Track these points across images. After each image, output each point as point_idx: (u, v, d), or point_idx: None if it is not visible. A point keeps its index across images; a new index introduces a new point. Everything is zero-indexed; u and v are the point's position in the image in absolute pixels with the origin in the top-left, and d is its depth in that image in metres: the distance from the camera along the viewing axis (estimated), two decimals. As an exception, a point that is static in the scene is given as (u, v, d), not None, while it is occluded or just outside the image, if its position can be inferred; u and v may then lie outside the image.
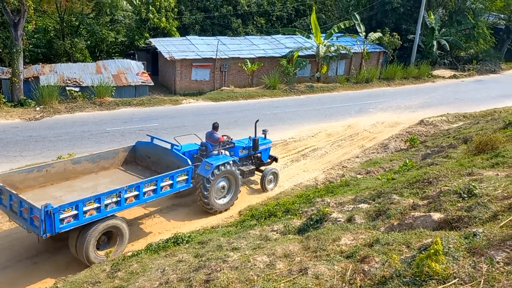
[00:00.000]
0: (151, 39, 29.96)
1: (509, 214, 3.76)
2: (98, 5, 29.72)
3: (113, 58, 29.66)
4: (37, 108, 22.04)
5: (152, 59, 30.68)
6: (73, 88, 23.65)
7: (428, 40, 36.64)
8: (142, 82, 25.41)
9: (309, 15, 33.25)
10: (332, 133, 21.10)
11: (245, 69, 28.30)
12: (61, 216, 8.74)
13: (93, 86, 23.57)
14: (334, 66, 32.28)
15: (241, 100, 26.39)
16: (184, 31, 33.42)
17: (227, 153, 13.26)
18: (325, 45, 30.46)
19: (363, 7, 37.97)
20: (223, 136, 13.27)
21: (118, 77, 25.42)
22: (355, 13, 34.11)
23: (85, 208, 9.12)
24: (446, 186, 5.76)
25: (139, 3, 33.23)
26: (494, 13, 44.11)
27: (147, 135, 13.46)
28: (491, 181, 5.82)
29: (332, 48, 30.56)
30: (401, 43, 34.23)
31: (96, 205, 9.32)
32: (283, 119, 22.84)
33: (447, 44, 36.30)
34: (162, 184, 10.66)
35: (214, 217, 12.40)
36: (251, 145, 14.24)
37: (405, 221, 4.54)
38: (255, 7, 36.07)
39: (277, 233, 6.66)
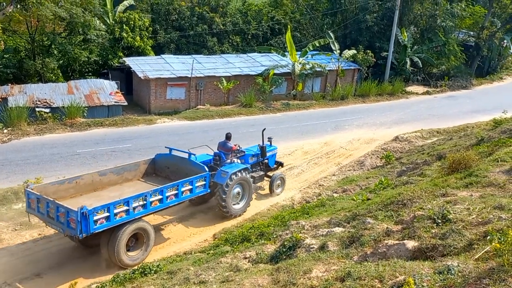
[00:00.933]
0: (125, 58, 29.56)
1: (484, 243, 3.59)
2: (70, 25, 29.22)
3: (86, 78, 29.09)
4: (5, 131, 21.27)
5: (126, 78, 30.23)
6: (43, 109, 22.97)
7: (401, 57, 37.33)
8: (115, 102, 24.92)
9: (284, 33, 33.50)
10: (309, 150, 21.01)
11: (221, 87, 28.14)
12: (95, 218, 9.68)
13: (64, 107, 22.96)
14: (310, 84, 32.47)
15: (217, 118, 26.14)
16: (159, 50, 33.16)
17: (238, 161, 14.12)
18: (300, 63, 30.65)
19: (338, 26, 38.54)
20: (235, 145, 14.16)
21: (91, 97, 24.87)
22: (329, 32, 34.55)
23: (115, 211, 10.07)
24: (421, 209, 5.59)
25: (113, 22, 32.91)
26: (463, 31, 45.39)
27: (165, 147, 14.29)
28: (465, 203, 5.69)
29: (308, 66, 30.76)
30: (375, 60, 34.74)
31: (125, 207, 10.27)
32: (259, 138, 22.59)
33: (419, 61, 37.04)
34: (183, 189, 11.72)
35: (188, 242, 12.06)
36: (259, 152, 15.31)
37: (379, 250, 4.33)
38: (231, 25, 36.17)
39: (248, 261, 6.37)
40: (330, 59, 32.97)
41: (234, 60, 31.94)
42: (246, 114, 27.35)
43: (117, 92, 25.96)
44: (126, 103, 25.43)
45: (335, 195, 14.12)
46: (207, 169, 12.60)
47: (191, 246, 11.57)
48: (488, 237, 3.52)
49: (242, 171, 13.49)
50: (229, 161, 13.72)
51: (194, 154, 13.35)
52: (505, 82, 42.65)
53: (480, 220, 4.17)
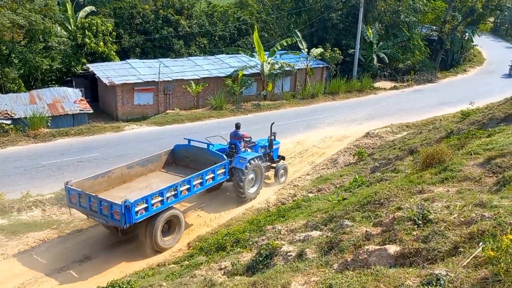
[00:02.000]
0: (88, 65, 28.70)
1: (470, 246, 3.42)
2: (30, 32, 28.13)
3: (49, 87, 28.05)
4: (-37, 145, 20.21)
5: (91, 85, 29.38)
6: (4, 121, 21.95)
7: (367, 53, 37.74)
8: (80, 110, 24.09)
9: (252, 34, 33.29)
10: (282, 150, 20.80)
11: (190, 90, 27.67)
12: (136, 209, 10.66)
13: (26, 118, 22.00)
14: (280, 83, 32.37)
15: (187, 122, 25.64)
16: (124, 55, 32.37)
17: (250, 150, 15.36)
18: (269, 63, 30.49)
19: (304, 25, 38.63)
20: (244, 133, 15.58)
21: (54, 106, 23.96)
22: (296, 31, 34.55)
23: (152, 201, 11.08)
24: (399, 209, 5.42)
25: (75, 28, 31.96)
26: (426, 25, 46.37)
27: (184, 138, 15.31)
28: (443, 200, 5.56)
29: (276, 66, 30.63)
30: (343, 57, 34.98)
31: (160, 198, 11.32)
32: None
33: (385, 57, 37.55)
34: (206, 177, 12.88)
35: (161, 253, 11.61)
36: (267, 144, 16.51)
37: (360, 257, 4.11)
38: (197, 28, 35.70)
39: (224, 273, 6.06)
40: (298, 58, 32.97)
41: (202, 62, 31.51)
42: (217, 116, 26.95)
43: (81, 100, 25.13)
44: (91, 111, 24.66)
45: (310, 195, 13.94)
46: (225, 157, 13.86)
47: (164, 257, 11.16)
48: (477, 240, 3.36)
49: (256, 159, 14.83)
50: (243, 149, 15.06)
51: (213, 144, 14.67)
52: (469, 74, 43.76)
53: (462, 219, 4.01)
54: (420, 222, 4.37)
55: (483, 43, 52.05)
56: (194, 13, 37.24)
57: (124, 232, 11.53)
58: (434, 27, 45.72)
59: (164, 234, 11.85)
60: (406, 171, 10.54)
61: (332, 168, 18.31)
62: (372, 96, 34.10)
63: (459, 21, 42.99)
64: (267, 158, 16.51)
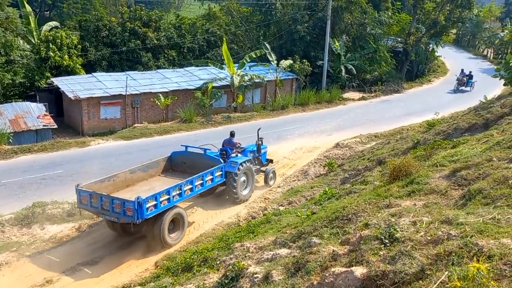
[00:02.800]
0: (53, 79, 27.90)
1: (437, 268, 3.32)
2: (-10, 45, 27.19)
3: (11, 101, 27.03)
4: None
5: (56, 99, 28.51)
6: (-39, 138, 20.99)
7: (336, 65, 38.26)
8: (44, 126, 23.31)
9: (221, 46, 33.21)
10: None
11: (159, 103, 27.23)
12: (147, 206, 11.56)
13: (-15, 134, 21.09)
14: (250, 95, 32.33)
15: (156, 136, 25.16)
16: (90, 68, 31.62)
17: (240, 155, 16.33)
18: (239, 75, 30.43)
19: (273, 37, 38.88)
20: (237, 142, 16.72)
21: (16, 122, 23.10)
22: (265, 43, 34.70)
23: (160, 199, 12.05)
24: (366, 226, 5.32)
25: (38, 41, 31.10)
26: (392, 37, 47.45)
27: (181, 145, 16.27)
28: (410, 215, 5.50)
29: (246, 78, 30.59)
30: (312, 69, 35.30)
31: (167, 196, 12.28)
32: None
33: (353, 68, 38.14)
34: (206, 179, 14.00)
35: (127, 274, 11.18)
36: (255, 149, 17.47)
37: (326, 280, 3.96)
38: (165, 40, 35.34)
39: (189, 298, 5.80)
40: (268, 69, 33.07)
41: (171, 75, 31.15)
42: (186, 129, 26.60)
43: (45, 115, 24.35)
44: (56, 126, 23.93)
45: (281, 208, 13.81)
46: (222, 161, 15.00)
47: (130, 278, 10.74)
48: (444, 262, 3.26)
49: (247, 162, 15.97)
50: (234, 154, 16.06)
51: (215, 148, 16.12)
52: (434, 84, 44.92)
53: (429, 238, 3.92)
54: (387, 241, 4.26)
55: (446, 54, 53.68)
56: (162, 25, 36.88)
57: (129, 233, 12.89)
58: (399, 39, 46.81)
59: (169, 231, 12.69)
60: (375, 182, 10.54)
61: (303, 179, 18.26)
62: (341, 107, 34.48)
63: (423, 33, 44.22)
64: (256, 162, 17.50)
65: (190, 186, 13.28)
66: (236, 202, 15.61)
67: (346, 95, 37.34)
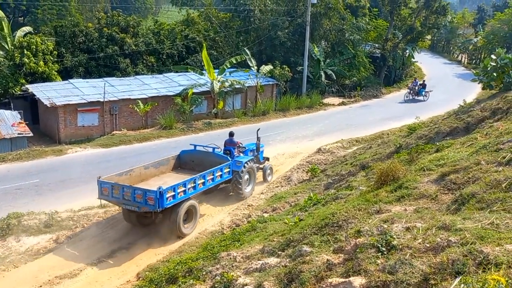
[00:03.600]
0: (28, 86, 27.08)
1: (442, 277, 3.19)
2: (-39, 51, 26.28)
3: (-16, 109, 26.15)
4: None
5: (31, 107, 27.71)
6: None
7: (315, 70, 38.46)
8: (18, 134, 22.57)
9: (200, 52, 32.96)
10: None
11: (138, 110, 26.76)
12: (167, 196, 12.48)
13: (-44, 143, 20.28)
14: (230, 101, 32.14)
15: (135, 143, 24.68)
16: (66, 74, 30.88)
17: (241, 155, 17.32)
18: (219, 81, 30.21)
19: (253, 43, 38.84)
20: (238, 141, 17.62)
21: (-11, 130, 22.30)
22: (245, 49, 34.61)
23: (178, 190, 13.02)
24: (359, 232, 5.18)
25: (12, 47, 30.26)
26: (370, 43, 48.10)
27: (190, 144, 17.42)
28: (402, 220, 5.39)
29: (227, 83, 30.40)
30: (292, 75, 35.38)
31: (183, 188, 13.25)
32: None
33: (333, 74, 38.42)
34: (216, 174, 15.04)
35: (107, 286, 10.80)
36: (255, 148, 18.54)
37: (323, 291, 3.79)
38: (144, 46, 34.86)
39: (176, 312, 5.54)
40: (248, 75, 32.96)
41: (150, 81, 30.70)
42: (166, 136, 26.21)
43: (20, 123, 23.60)
44: (31, 134, 23.20)
45: (265, 215, 13.62)
46: (229, 159, 16.07)
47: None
48: (448, 271, 3.13)
49: (250, 161, 17.11)
50: (237, 154, 17.02)
51: (219, 148, 16.86)
52: (411, 89, 45.61)
53: (428, 245, 3.80)
54: (384, 249, 4.13)
55: (423, 60, 54.71)
56: (140, 31, 36.39)
57: (143, 224, 13.95)
58: (377, 45, 47.47)
59: (184, 222, 13.61)
60: (360, 187, 10.47)
61: (286, 185, 18.13)
62: (322, 112, 34.62)
63: (399, 39, 44.94)
64: (255, 160, 18.34)
65: (203, 180, 14.34)
66: (240, 199, 16.66)
67: (326, 100, 37.55)
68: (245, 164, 16.57)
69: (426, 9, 43.63)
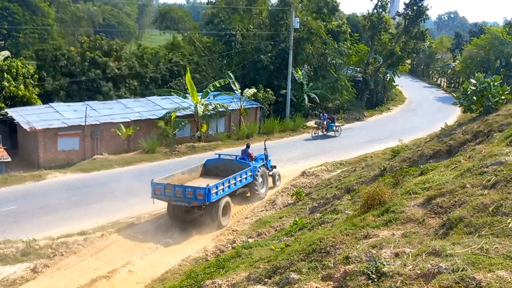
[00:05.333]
0: (7, 110, 26.62)
1: (436, 308, 3.10)
2: None
3: (-40, 134, 25.51)
4: None
5: (10, 131, 27.11)
6: None
7: (299, 94, 38.82)
8: (-4, 159, 22.02)
9: (184, 75, 33.01)
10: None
11: (120, 134, 26.44)
12: (212, 192, 15.13)
13: None
14: (214, 124, 32.08)
15: (117, 168, 24.26)
16: (47, 98, 30.48)
17: (254, 162, 19.83)
18: (202, 104, 30.17)
19: (236, 66, 39.14)
20: (251, 152, 20.28)
21: (-35, 155, 21.70)
22: (228, 72, 34.81)
23: (220, 188, 15.76)
24: (347, 259, 5.07)
25: (-9, 71, 29.80)
26: (351, 67, 49.00)
27: (215, 153, 21.90)
28: (390, 245, 5.30)
29: (210, 107, 30.39)
30: (275, 98, 35.62)
31: (222, 186, 15.98)
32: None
33: (316, 97, 38.82)
34: (243, 177, 17.72)
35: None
36: (264, 157, 20.93)
37: (313, 323, 3.64)
38: (127, 69, 34.77)
39: None
40: (232, 98, 33.07)
41: (133, 104, 30.51)
42: (149, 160, 25.86)
43: (-2, 148, 23.07)
44: (10, 159, 22.70)
45: (250, 240, 13.37)
46: (250, 165, 18.72)
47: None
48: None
49: (262, 166, 19.87)
50: (250, 161, 19.58)
51: (240, 156, 19.78)
52: (393, 112, 46.39)
53: (418, 272, 3.71)
54: (374, 276, 4.02)
55: (403, 83, 55.87)
56: (123, 55, 36.38)
57: (186, 220, 16.40)
58: (359, 69, 48.37)
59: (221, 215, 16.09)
60: (346, 211, 10.38)
61: (270, 209, 17.97)
62: (306, 135, 34.74)
63: (380, 63, 45.91)
64: (264, 168, 20.59)
65: (234, 181, 17.02)
66: (258, 199, 19.06)
67: (309, 123, 37.75)
68: (259, 169, 19.21)
69: (405, 35, 44.80)
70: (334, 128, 33.61)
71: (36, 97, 29.19)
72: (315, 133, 33.31)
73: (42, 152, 24.33)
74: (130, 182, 21.36)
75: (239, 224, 16.56)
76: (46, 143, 24.48)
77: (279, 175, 21.72)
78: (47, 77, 31.53)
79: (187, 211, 16.64)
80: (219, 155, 20.31)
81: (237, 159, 19.31)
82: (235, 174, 17.18)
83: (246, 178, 18.06)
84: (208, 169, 19.20)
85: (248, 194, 19.33)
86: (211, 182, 16.34)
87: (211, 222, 15.92)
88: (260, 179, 19.45)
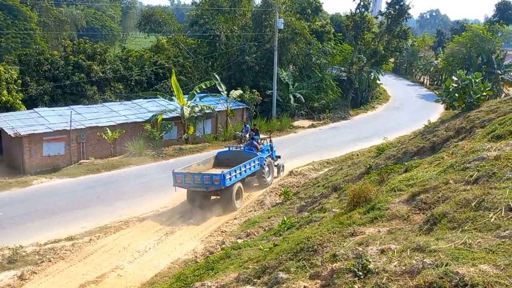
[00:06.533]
0: (-10, 116, 26.22)
1: (420, 302, 3.18)
2: None
3: None
4: None
5: (-6, 137, 26.75)
6: None
7: (284, 94, 39.00)
8: (-20, 166, 21.68)
9: (169, 77, 32.90)
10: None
11: (106, 138, 26.24)
12: (227, 177, 17.31)
13: None
14: (201, 126, 32.04)
15: (103, 172, 24.08)
16: (31, 103, 30.10)
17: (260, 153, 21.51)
18: (189, 106, 30.13)
19: (221, 68, 39.15)
20: (257, 143, 21.84)
21: None
22: (214, 74, 34.81)
23: (232, 174, 17.85)
24: (334, 256, 5.15)
25: (-27, 76, 29.32)
26: (336, 67, 49.38)
27: (226, 146, 24.33)
28: (376, 242, 5.41)
29: (197, 109, 30.36)
30: (261, 98, 35.73)
31: (235, 173, 18.07)
32: (153, 187, 21.32)
33: (301, 97, 39.06)
34: (251, 165, 19.70)
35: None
36: (269, 148, 22.76)
37: (302, 320, 3.71)
38: (111, 73, 34.53)
39: None
40: (218, 100, 33.08)
41: (118, 108, 30.30)
42: (136, 163, 25.70)
43: (-19, 154, 22.71)
44: (-6, 166, 22.32)
45: (239, 241, 13.41)
46: (257, 155, 20.66)
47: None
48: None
49: (268, 157, 21.66)
50: (258, 152, 21.26)
51: (248, 147, 21.66)
52: (377, 111, 46.87)
53: (403, 268, 3.81)
54: (361, 273, 4.10)
55: (387, 82, 56.50)
56: (107, 58, 36.10)
57: (204, 206, 18.09)
58: (343, 68, 48.78)
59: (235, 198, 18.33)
60: (333, 209, 10.49)
61: (259, 210, 18.04)
62: (292, 134, 34.94)
63: (364, 62, 46.35)
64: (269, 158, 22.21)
65: (244, 169, 18.97)
66: (265, 186, 20.86)
67: (296, 123, 37.98)
68: (266, 159, 21.13)
69: (388, 34, 45.31)
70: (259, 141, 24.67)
71: (20, 102, 28.82)
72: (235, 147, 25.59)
73: (27, 157, 24.03)
74: (117, 186, 21.26)
75: (228, 225, 16.59)
76: (31, 148, 24.18)
77: (283, 166, 23.33)
78: (30, 82, 31.14)
79: (205, 197, 18.40)
80: (229, 147, 22.62)
81: (245, 150, 21.20)
82: (244, 163, 19.01)
83: (254, 166, 20.02)
84: (220, 161, 21.12)
85: (256, 184, 21.36)
86: (224, 171, 17.90)
87: (227, 205, 18.04)
88: (267, 168, 21.29)
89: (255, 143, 21.66)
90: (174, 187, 18.01)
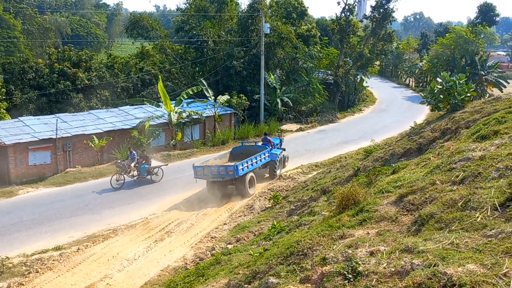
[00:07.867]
0: (-27, 125, 25.80)
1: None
2: None
3: None
4: None
5: (-23, 147, 26.30)
6: None
7: (272, 98, 39.10)
8: (-37, 176, 21.31)
9: (156, 84, 32.77)
10: (196, 200, 20.11)
11: (92, 145, 26.00)
12: (239, 168, 19.50)
13: None
14: (189, 132, 31.94)
15: (91, 180, 23.81)
16: (16, 112, 29.75)
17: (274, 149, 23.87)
18: (176, 112, 30.03)
19: (209, 73, 39.13)
20: (270, 139, 24.47)
21: None
22: (201, 79, 34.76)
23: (245, 165, 20.05)
24: (324, 260, 5.16)
25: (-45, 85, 28.92)
26: (322, 70, 49.67)
27: (239, 141, 28.34)
28: (366, 244, 5.42)
29: (184, 114, 30.27)
30: (249, 103, 35.78)
31: (246, 164, 20.14)
32: (142, 194, 21.19)
33: (289, 101, 39.20)
34: (262, 157, 21.85)
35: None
36: (279, 142, 25.50)
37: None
38: (97, 80, 34.28)
39: None
40: (206, 105, 33.03)
41: (105, 115, 30.07)
42: (124, 171, 25.44)
43: (-35, 165, 22.32)
44: (-22, 176, 21.94)
45: (229, 246, 13.36)
46: (267, 148, 23.01)
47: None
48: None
49: (281, 153, 24.14)
50: (270, 147, 23.45)
51: (257, 141, 25.06)
52: (364, 113, 47.19)
53: (392, 269, 3.82)
54: (351, 276, 4.11)
55: (373, 84, 56.96)
56: (93, 65, 35.86)
57: (222, 194, 20.27)
58: (330, 72, 49.06)
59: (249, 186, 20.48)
60: (322, 212, 10.52)
61: (249, 214, 17.99)
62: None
63: (350, 65, 46.71)
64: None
65: (255, 160, 21.05)
66: (275, 177, 22.97)
67: (284, 127, 38.04)
68: (279, 155, 23.43)
69: (373, 37, 45.78)
70: (150, 170, 22.93)
71: (4, 111, 28.48)
72: (118, 181, 21.95)
73: (13, 167, 23.69)
74: (105, 194, 21.05)
75: (218, 230, 16.50)
76: (16, 158, 23.86)
77: (288, 157, 25.44)
78: (15, 90, 30.78)
79: (222, 186, 20.29)
80: (242, 142, 25.38)
81: (257, 144, 23.75)
82: (255, 155, 21.21)
83: (264, 158, 22.01)
84: (235, 155, 23.13)
85: (267, 175, 23.33)
86: (237, 162, 20.09)
87: (241, 192, 20.14)
88: (278, 163, 23.53)
89: (269, 138, 24.20)
90: (195, 179, 20.26)
